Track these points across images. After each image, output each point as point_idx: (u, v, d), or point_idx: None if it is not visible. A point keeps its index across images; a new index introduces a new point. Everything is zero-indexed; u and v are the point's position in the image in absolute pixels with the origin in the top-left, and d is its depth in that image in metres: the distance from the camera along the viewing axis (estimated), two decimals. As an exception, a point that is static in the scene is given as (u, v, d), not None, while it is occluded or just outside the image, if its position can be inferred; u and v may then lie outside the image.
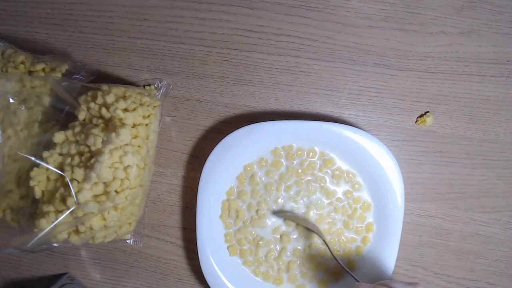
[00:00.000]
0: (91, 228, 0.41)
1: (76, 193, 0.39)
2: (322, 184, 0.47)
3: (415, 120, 0.49)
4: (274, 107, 0.50)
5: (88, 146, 0.40)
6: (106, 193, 0.40)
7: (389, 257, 0.46)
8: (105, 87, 0.43)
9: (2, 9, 0.51)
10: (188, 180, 0.51)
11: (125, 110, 0.42)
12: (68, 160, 0.40)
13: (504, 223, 0.49)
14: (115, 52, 0.50)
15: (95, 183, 0.40)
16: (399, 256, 0.47)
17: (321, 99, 0.50)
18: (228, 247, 0.48)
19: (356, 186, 0.47)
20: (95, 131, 0.40)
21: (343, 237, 0.47)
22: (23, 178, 0.42)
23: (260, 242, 0.48)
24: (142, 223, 0.49)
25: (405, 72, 0.49)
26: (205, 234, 0.47)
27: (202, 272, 0.47)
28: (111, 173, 0.40)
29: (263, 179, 0.48)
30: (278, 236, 0.48)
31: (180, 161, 0.51)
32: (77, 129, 0.41)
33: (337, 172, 0.47)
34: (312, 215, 0.47)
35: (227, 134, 0.46)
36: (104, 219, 0.41)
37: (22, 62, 0.44)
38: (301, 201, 0.47)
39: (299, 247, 0.48)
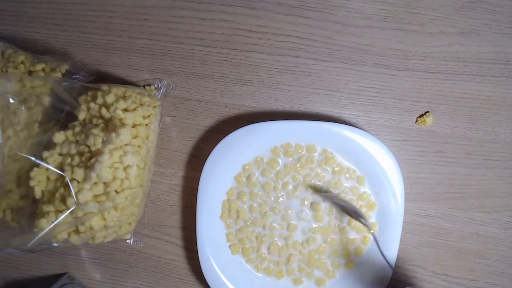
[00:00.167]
0: (91, 228, 0.41)
1: (76, 193, 0.39)
2: (325, 179, 0.47)
3: (415, 120, 0.49)
4: (274, 107, 0.50)
5: (88, 146, 0.40)
6: (106, 193, 0.40)
7: (389, 257, 0.46)
8: (105, 87, 0.43)
9: (2, 9, 0.51)
10: (188, 180, 0.51)
11: (125, 110, 0.42)
12: (68, 160, 0.40)
13: (504, 223, 0.49)
14: (115, 52, 0.50)
15: (95, 183, 0.40)
16: (399, 256, 0.47)
17: (321, 99, 0.50)
18: (230, 246, 0.48)
19: (360, 182, 0.47)
20: (95, 131, 0.40)
21: (344, 238, 0.47)
22: (23, 178, 0.42)
23: (264, 238, 0.47)
24: (142, 223, 0.49)
25: (405, 72, 0.49)
26: (205, 234, 0.47)
27: (202, 272, 0.47)
28: (111, 173, 0.40)
29: (260, 179, 0.48)
30: (286, 224, 0.48)
31: (180, 161, 0.51)
32: (77, 129, 0.41)
33: (337, 168, 0.47)
34: (319, 210, 0.47)
35: (227, 134, 0.46)
36: (104, 219, 0.41)
37: (22, 62, 0.44)
38: (303, 196, 0.47)
39: (299, 240, 0.48)
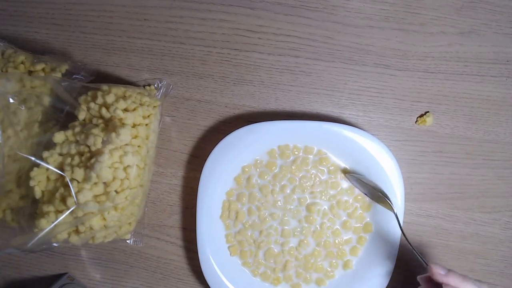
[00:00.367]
0: (91, 228, 0.41)
1: (76, 193, 0.39)
2: (321, 179, 0.47)
3: (415, 120, 0.49)
4: (274, 107, 0.50)
5: (88, 146, 0.40)
6: (106, 193, 0.40)
7: (388, 257, 0.46)
8: (105, 87, 0.43)
9: (2, 9, 0.51)
10: (188, 180, 0.51)
11: (125, 110, 0.42)
12: (68, 160, 0.40)
13: (504, 223, 0.49)
14: (115, 52, 0.50)
15: (95, 183, 0.40)
16: (399, 256, 0.47)
17: (321, 99, 0.50)
18: (229, 247, 0.48)
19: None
20: (95, 131, 0.40)
21: (338, 239, 0.47)
22: (23, 178, 0.42)
23: (261, 244, 0.47)
24: (142, 223, 0.49)
25: (405, 72, 0.49)
26: (205, 234, 0.47)
27: (202, 272, 0.47)
28: (111, 173, 0.40)
29: (259, 181, 0.48)
30: (281, 229, 0.48)
31: (180, 161, 0.51)
32: (77, 129, 0.41)
33: (331, 168, 0.47)
34: (314, 211, 0.47)
35: (227, 134, 0.46)
36: (104, 219, 0.41)
37: (22, 62, 0.44)
38: (299, 197, 0.47)
39: (293, 245, 0.48)
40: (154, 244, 0.51)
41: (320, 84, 0.49)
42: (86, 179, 0.39)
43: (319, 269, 0.47)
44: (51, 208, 0.39)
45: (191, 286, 0.51)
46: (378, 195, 0.45)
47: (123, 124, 0.41)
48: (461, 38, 0.48)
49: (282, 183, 0.47)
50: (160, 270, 0.51)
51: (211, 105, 0.50)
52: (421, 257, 0.42)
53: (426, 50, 0.48)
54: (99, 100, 0.42)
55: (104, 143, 0.40)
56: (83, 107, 0.42)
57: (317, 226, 0.47)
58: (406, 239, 0.43)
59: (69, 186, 0.39)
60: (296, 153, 0.47)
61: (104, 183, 0.40)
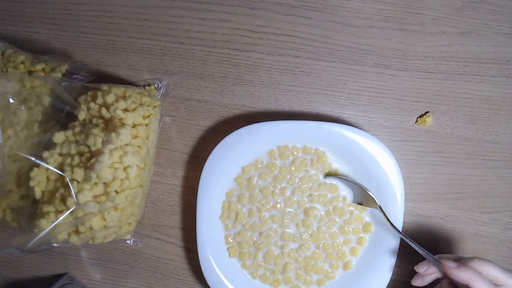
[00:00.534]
0: (91, 228, 0.41)
1: (76, 193, 0.39)
2: (318, 182, 0.47)
3: (415, 120, 0.49)
4: (274, 107, 0.50)
5: (88, 146, 0.40)
6: (106, 193, 0.40)
7: (389, 258, 0.46)
8: (105, 87, 0.43)
9: (2, 9, 0.51)
10: (188, 180, 0.51)
11: (125, 110, 0.42)
12: (68, 160, 0.40)
13: (504, 223, 0.49)
14: (115, 52, 0.50)
15: (95, 183, 0.40)
16: (399, 256, 0.47)
17: (321, 99, 0.50)
18: (228, 249, 0.48)
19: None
20: (95, 131, 0.40)
21: (337, 240, 0.47)
22: (23, 178, 0.42)
23: (260, 246, 0.47)
24: (142, 223, 0.49)
25: (405, 72, 0.49)
26: (205, 234, 0.47)
27: (202, 272, 0.47)
28: (111, 173, 0.40)
29: (259, 182, 0.48)
30: (281, 231, 0.48)
31: (180, 161, 0.51)
32: (77, 129, 0.41)
33: (328, 170, 0.47)
34: (311, 215, 0.47)
35: (227, 134, 0.46)
36: (104, 219, 0.41)
37: (22, 62, 0.44)
38: (298, 199, 0.47)
39: (293, 248, 0.48)
40: (154, 244, 0.51)
41: (319, 84, 0.49)
42: (86, 179, 0.39)
43: (319, 271, 0.47)
44: (51, 208, 0.39)
45: (191, 286, 0.51)
46: (363, 195, 0.45)
47: (123, 124, 0.41)
48: (461, 38, 0.48)
49: (282, 184, 0.47)
50: (160, 270, 0.51)
51: (211, 105, 0.50)
52: (423, 250, 0.42)
53: (426, 50, 0.48)
54: (99, 100, 0.42)
55: (104, 143, 0.40)
56: (83, 107, 0.42)
57: (315, 229, 0.47)
58: (399, 231, 0.44)
59: (69, 186, 0.39)
60: (295, 153, 0.47)
61: (104, 183, 0.40)
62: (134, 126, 0.42)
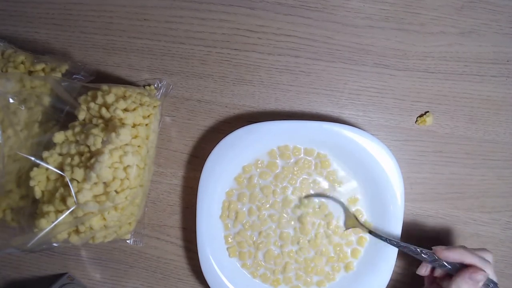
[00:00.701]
0: (91, 228, 0.41)
1: (76, 193, 0.39)
2: (317, 185, 0.47)
3: (415, 120, 0.49)
4: (274, 107, 0.50)
5: (88, 146, 0.40)
6: (106, 193, 0.40)
7: (389, 257, 0.46)
8: (105, 87, 0.43)
9: (2, 9, 0.51)
10: (188, 180, 0.51)
11: (125, 110, 0.42)
12: (68, 160, 0.40)
13: (504, 223, 0.49)
14: (115, 52, 0.50)
15: (95, 183, 0.40)
16: (399, 256, 0.47)
17: (321, 99, 0.50)
18: (227, 248, 0.48)
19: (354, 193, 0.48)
20: (95, 131, 0.40)
21: (336, 245, 0.47)
22: (23, 178, 0.42)
23: (260, 245, 0.47)
24: (142, 223, 0.49)
25: (405, 72, 0.49)
26: (205, 234, 0.47)
27: (202, 272, 0.47)
28: (111, 173, 0.40)
29: (260, 182, 0.48)
30: (279, 231, 0.48)
31: (180, 161, 0.51)
32: (77, 129, 0.41)
33: (332, 177, 0.47)
34: (308, 217, 0.47)
35: (227, 134, 0.46)
36: (104, 219, 0.41)
37: (22, 62, 0.44)
38: (296, 198, 0.47)
39: (293, 249, 0.48)
40: (154, 244, 0.51)
41: (319, 84, 0.49)
42: (86, 179, 0.39)
43: (319, 272, 0.47)
44: (51, 208, 0.39)
45: (191, 286, 0.51)
46: (348, 215, 0.46)
47: (123, 124, 0.41)
48: (461, 38, 0.48)
49: (284, 184, 0.47)
50: (160, 270, 0.51)
51: (211, 105, 0.50)
52: (421, 254, 0.42)
53: (426, 50, 0.48)
54: (99, 100, 0.42)
55: (104, 143, 0.40)
56: (83, 107, 0.42)
57: (313, 235, 0.47)
58: (394, 244, 0.44)
59: (69, 186, 0.39)
60: (296, 153, 0.47)
61: (104, 183, 0.40)
62: (134, 126, 0.42)
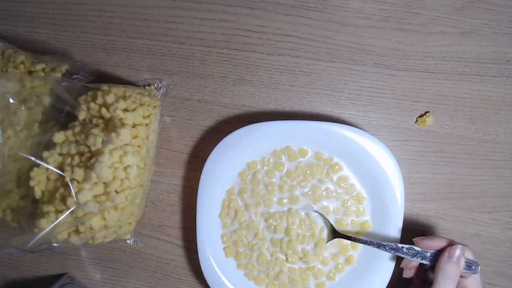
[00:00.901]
0: (91, 228, 0.41)
1: (76, 193, 0.39)
2: (324, 187, 0.47)
3: (415, 120, 0.49)
4: (274, 107, 0.50)
5: (88, 146, 0.40)
6: (106, 193, 0.40)
7: (389, 257, 0.46)
8: (105, 87, 0.43)
9: (2, 9, 0.51)
10: (188, 180, 0.51)
11: (125, 110, 0.42)
12: (68, 160, 0.40)
13: (504, 223, 0.49)
14: (115, 52, 0.50)
15: (95, 183, 0.40)
16: (399, 256, 0.46)
17: (321, 99, 0.50)
18: (224, 248, 0.48)
19: (359, 199, 0.48)
20: (95, 131, 0.40)
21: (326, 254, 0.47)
22: (23, 178, 0.42)
23: (255, 246, 0.47)
24: (142, 223, 0.49)
25: (405, 72, 0.49)
26: (205, 234, 0.47)
27: (202, 272, 0.47)
28: (111, 173, 0.40)
29: (265, 178, 0.47)
30: (272, 236, 0.48)
31: (180, 161, 0.51)
32: (77, 129, 0.41)
33: (343, 184, 0.47)
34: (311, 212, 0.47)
35: (227, 134, 0.46)
36: (104, 219, 0.41)
37: (22, 62, 0.44)
38: (299, 199, 0.47)
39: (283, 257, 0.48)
40: (154, 244, 0.51)
41: (319, 84, 0.49)
42: (86, 179, 0.39)
43: (318, 274, 0.47)
44: (51, 208, 0.39)
45: (191, 286, 0.51)
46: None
47: (123, 124, 0.41)
48: (461, 38, 0.48)
49: (293, 183, 0.47)
50: (160, 270, 0.51)
51: (211, 105, 0.50)
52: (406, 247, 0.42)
53: (426, 50, 0.48)
54: (99, 100, 0.42)
55: (104, 143, 0.40)
56: (83, 107, 0.42)
57: (299, 251, 0.47)
58: (386, 249, 0.43)
59: (69, 186, 0.39)
60: (297, 157, 0.47)
61: (104, 183, 0.40)
62: (134, 126, 0.42)
